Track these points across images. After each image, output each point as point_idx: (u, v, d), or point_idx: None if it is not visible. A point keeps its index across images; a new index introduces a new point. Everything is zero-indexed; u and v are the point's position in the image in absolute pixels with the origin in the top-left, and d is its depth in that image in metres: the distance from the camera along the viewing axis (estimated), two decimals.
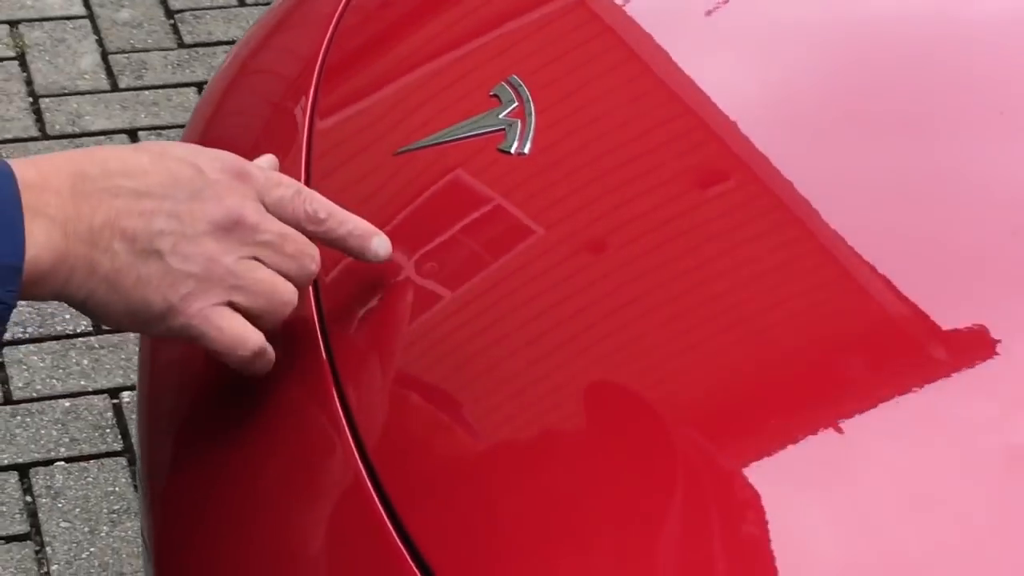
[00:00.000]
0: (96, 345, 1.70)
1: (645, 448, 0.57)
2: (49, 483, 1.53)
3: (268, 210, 0.69)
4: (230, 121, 0.94)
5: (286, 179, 0.71)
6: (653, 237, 0.68)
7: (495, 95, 0.76)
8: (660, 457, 0.57)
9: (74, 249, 0.65)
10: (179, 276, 0.67)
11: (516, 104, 0.75)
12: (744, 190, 0.70)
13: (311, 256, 0.69)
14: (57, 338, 1.71)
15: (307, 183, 0.77)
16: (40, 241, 0.63)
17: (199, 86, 2.10)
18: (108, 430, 1.60)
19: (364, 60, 0.91)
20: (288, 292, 0.69)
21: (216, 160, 0.69)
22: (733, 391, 0.60)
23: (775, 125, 0.73)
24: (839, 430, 0.55)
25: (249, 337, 0.68)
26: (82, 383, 1.65)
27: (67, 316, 1.71)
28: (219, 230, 0.68)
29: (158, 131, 2.03)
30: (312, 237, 0.69)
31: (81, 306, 0.67)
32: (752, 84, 0.76)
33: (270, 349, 0.69)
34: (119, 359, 1.69)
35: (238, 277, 0.68)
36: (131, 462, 1.57)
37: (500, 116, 0.74)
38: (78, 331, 1.71)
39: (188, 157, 0.68)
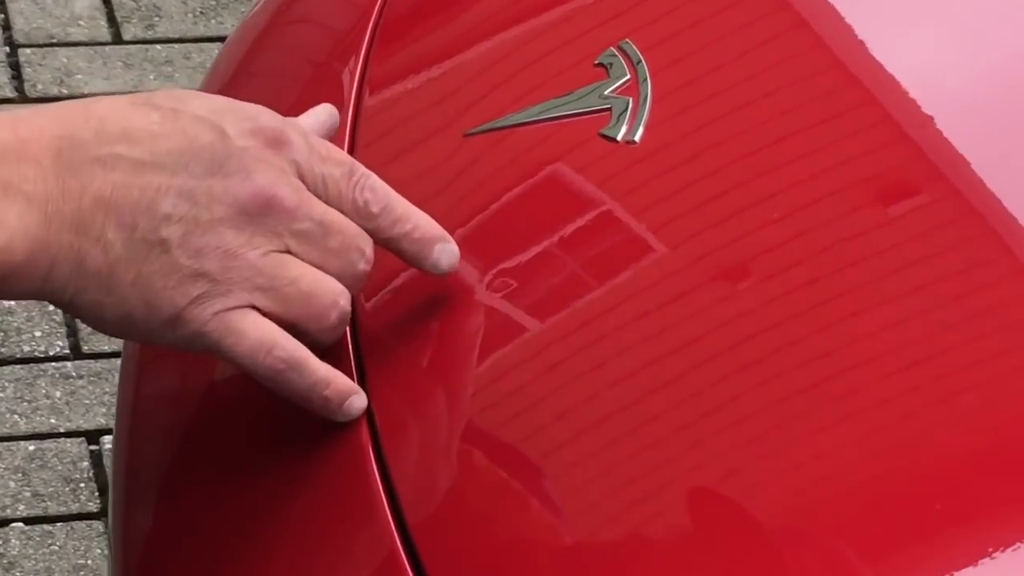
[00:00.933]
0: (73, 373, 1.77)
1: None
2: (2, 550, 1.59)
3: (309, 189, 0.72)
4: (256, 84, 0.99)
5: (336, 152, 0.74)
6: (810, 266, 0.70)
7: (601, 64, 0.80)
8: None
9: (57, 237, 0.68)
10: (189, 275, 0.69)
11: (628, 78, 0.79)
12: (939, 208, 0.72)
13: (361, 252, 0.72)
14: (23, 361, 1.78)
15: None
16: (12, 225, 0.66)
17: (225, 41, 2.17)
18: (82, 484, 1.67)
19: (432, 13, 0.96)
20: (333, 294, 0.71)
21: (247, 120, 0.71)
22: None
23: (977, 122, 0.76)
24: None
25: (277, 340, 0.70)
26: (52, 421, 1.72)
27: (36, 334, 1.79)
28: (244, 215, 0.70)
29: None
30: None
31: (67, 307, 0.71)
32: (949, 64, 0.80)
33: (314, 363, 0.71)
34: (101, 392, 1.75)
35: (265, 276, 0.70)
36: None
37: (606, 92, 0.78)
38: (50, 353, 1.78)
39: (211, 116, 0.71)
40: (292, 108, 0.94)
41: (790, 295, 0.70)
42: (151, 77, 2.12)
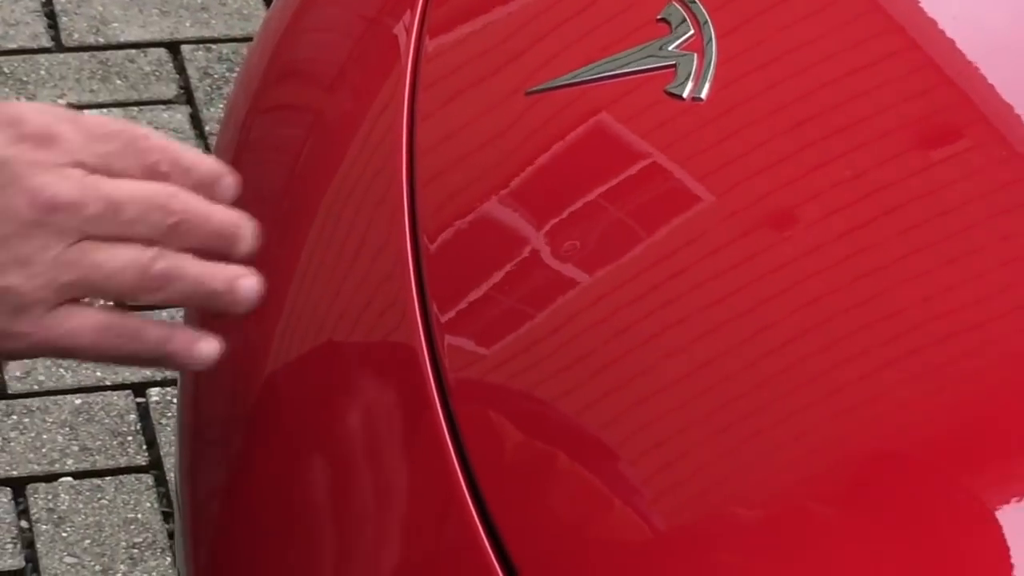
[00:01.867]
0: None
1: None
2: (51, 504, 1.60)
3: (95, 171, 0.71)
4: (309, 40, 1.00)
5: (111, 125, 0.74)
6: (889, 226, 0.71)
7: (663, 19, 0.81)
8: None
9: None
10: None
11: (691, 33, 0.79)
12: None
13: (163, 208, 0.72)
14: None
15: (409, 128, 0.82)
16: None
17: None
18: (130, 437, 1.68)
19: None
20: (141, 261, 0.71)
21: (9, 127, 0.71)
22: None
23: None
24: None
25: (103, 322, 0.71)
26: (98, 374, 1.73)
27: None
28: (29, 224, 0.70)
29: (206, 45, 2.10)
30: None
31: None
32: None
33: (149, 327, 0.73)
34: None
35: (69, 270, 0.71)
36: (159, 481, 1.64)
37: (670, 48, 0.79)
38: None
39: None
40: (346, 65, 0.97)
41: (871, 257, 0.70)
42: (187, 24, 2.12)
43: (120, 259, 0.72)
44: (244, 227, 0.77)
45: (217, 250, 0.75)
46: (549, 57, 0.85)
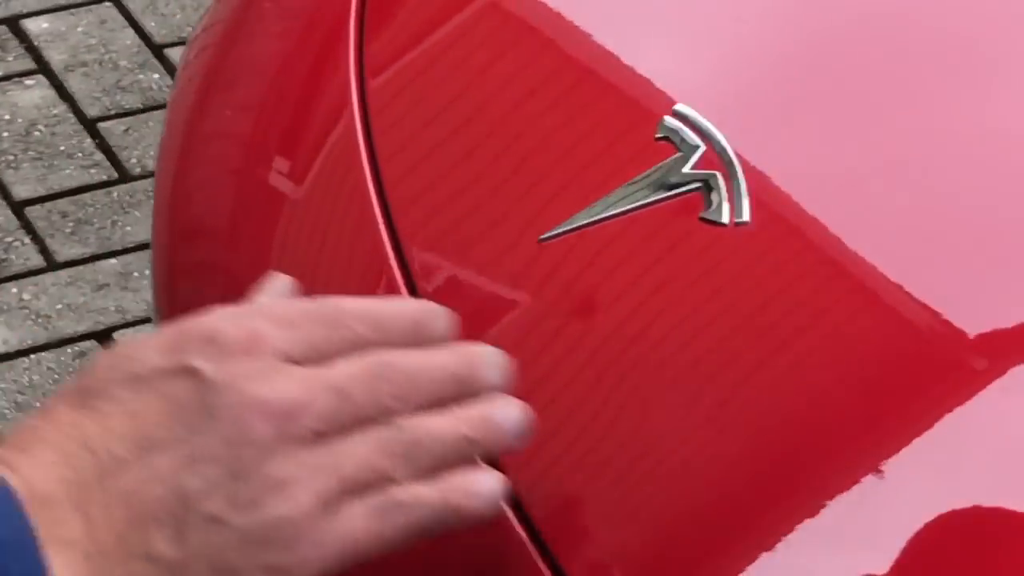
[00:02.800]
0: None
1: None
2: None
3: (302, 361, 0.71)
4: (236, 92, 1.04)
5: (305, 306, 0.74)
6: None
7: (663, 137, 0.77)
8: None
9: (105, 570, 0.67)
10: (261, 531, 0.68)
11: (703, 148, 0.75)
12: None
13: (383, 367, 0.72)
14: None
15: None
16: None
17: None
18: None
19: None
20: (386, 432, 0.71)
21: (210, 344, 0.70)
22: None
23: None
24: None
25: (376, 516, 0.71)
26: None
27: None
28: (271, 443, 0.69)
29: None
30: None
31: None
32: None
33: (418, 505, 0.72)
34: None
35: (325, 474, 0.69)
36: None
37: (684, 170, 0.75)
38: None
39: (172, 360, 0.69)
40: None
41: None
42: None
43: (367, 442, 0.71)
44: (481, 354, 0.74)
45: (458, 392, 0.74)
46: (546, 198, 0.81)
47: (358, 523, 0.70)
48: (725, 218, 0.73)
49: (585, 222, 0.77)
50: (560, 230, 0.78)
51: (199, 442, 0.68)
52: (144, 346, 0.72)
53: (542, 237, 0.79)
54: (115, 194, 2.26)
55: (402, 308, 0.77)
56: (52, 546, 0.65)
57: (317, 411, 0.69)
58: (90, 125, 2.34)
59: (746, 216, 0.72)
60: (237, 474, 0.68)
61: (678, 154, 0.77)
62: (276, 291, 0.80)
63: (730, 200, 0.73)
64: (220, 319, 0.71)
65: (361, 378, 0.71)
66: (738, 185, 0.74)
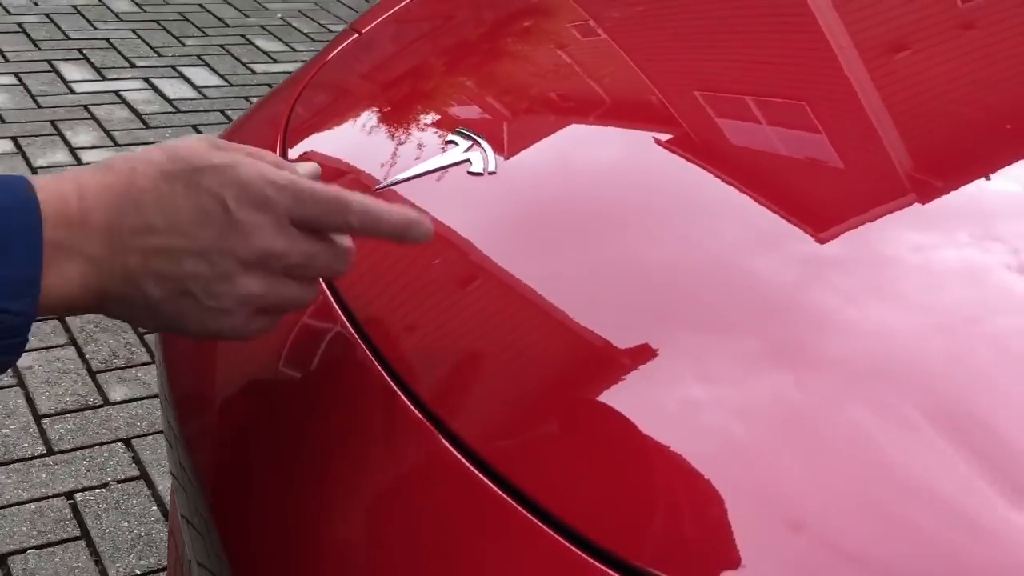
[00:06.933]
0: None
1: None
2: None
3: (296, 224, 0.81)
4: None
5: (314, 195, 0.81)
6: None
7: (451, 140, 1.13)
8: None
9: (109, 286, 0.77)
10: (212, 312, 0.80)
11: (471, 143, 1.11)
12: None
13: (341, 263, 0.85)
14: None
15: None
16: (75, 280, 0.75)
17: None
18: None
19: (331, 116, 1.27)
20: (308, 297, 0.85)
21: (244, 191, 0.78)
22: None
23: None
24: None
25: (265, 328, 0.85)
26: None
27: None
28: (248, 266, 0.79)
29: None
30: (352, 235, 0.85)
31: (120, 319, 0.80)
32: None
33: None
34: None
35: (266, 298, 0.81)
36: None
37: (462, 152, 1.09)
38: None
39: (217, 189, 0.78)
40: None
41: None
42: None
43: (300, 295, 0.85)
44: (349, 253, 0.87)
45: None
46: (388, 162, 1.13)
47: (252, 329, 0.84)
48: (483, 170, 1.06)
49: (412, 175, 1.09)
50: (390, 181, 1.09)
51: (206, 246, 0.78)
52: (213, 167, 0.80)
53: (378, 187, 1.09)
54: None
55: (391, 211, 0.84)
56: (74, 257, 0.75)
57: (290, 262, 0.81)
58: None
59: (493, 169, 1.05)
60: (218, 276, 0.79)
61: (458, 145, 1.10)
62: (307, 171, 0.88)
63: (484, 164, 1.06)
64: (256, 178, 0.79)
65: (327, 261, 0.83)
66: (490, 158, 1.07)
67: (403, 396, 0.84)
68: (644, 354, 0.79)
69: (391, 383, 0.86)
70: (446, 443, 0.79)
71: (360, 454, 0.85)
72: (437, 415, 0.81)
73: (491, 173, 1.07)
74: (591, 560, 0.68)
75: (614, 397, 0.78)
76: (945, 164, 0.93)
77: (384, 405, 0.85)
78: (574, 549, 0.69)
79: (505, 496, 0.73)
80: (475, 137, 1.14)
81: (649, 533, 0.68)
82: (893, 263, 0.81)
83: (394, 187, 1.11)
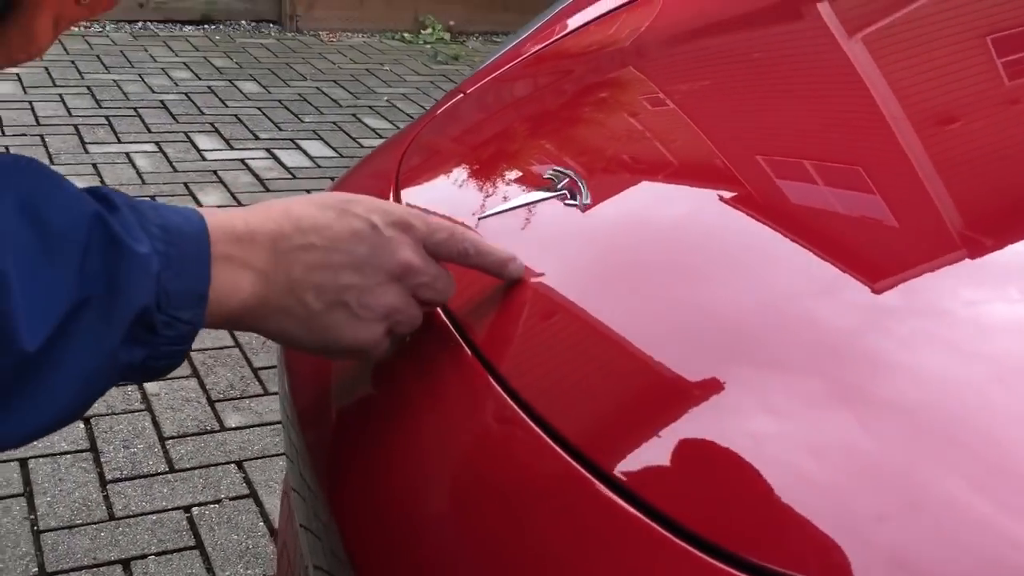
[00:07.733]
0: None
1: None
2: None
3: (428, 251, 0.88)
4: None
5: (440, 225, 0.90)
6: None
7: (549, 177, 1.15)
8: None
9: (272, 297, 0.81)
10: (363, 323, 0.85)
11: (567, 179, 1.12)
12: None
13: (451, 289, 0.92)
14: None
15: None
16: (246, 289, 0.79)
17: None
18: None
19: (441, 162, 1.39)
20: (419, 320, 0.91)
21: (388, 215, 0.85)
22: None
23: None
24: None
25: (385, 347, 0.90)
26: None
27: None
28: (393, 279, 0.85)
29: None
30: (463, 266, 0.92)
31: (272, 337, 0.85)
32: None
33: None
34: None
35: (402, 313, 0.88)
36: None
37: (559, 186, 1.12)
38: None
39: (365, 214, 0.84)
40: None
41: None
42: None
43: (420, 315, 0.90)
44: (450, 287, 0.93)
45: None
46: (494, 194, 1.16)
47: (385, 347, 0.89)
48: (578, 203, 1.06)
49: (513, 206, 1.10)
50: (495, 211, 1.11)
51: (360, 260, 0.83)
52: (359, 199, 0.86)
53: (482, 216, 1.10)
54: None
55: (495, 249, 0.90)
56: (246, 269, 0.78)
57: (421, 280, 0.86)
58: None
59: (589, 202, 1.05)
60: (370, 288, 0.84)
61: (556, 181, 1.12)
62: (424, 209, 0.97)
63: (580, 197, 1.07)
64: (398, 207, 0.85)
65: (446, 284, 0.89)
66: (584, 192, 1.08)
67: (512, 403, 0.85)
68: (714, 385, 0.79)
69: (502, 393, 0.86)
70: (567, 456, 0.78)
71: (469, 457, 0.86)
72: (557, 430, 0.81)
73: (586, 206, 1.09)
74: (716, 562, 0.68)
75: (718, 417, 0.77)
76: (994, 224, 0.90)
77: (498, 416, 0.85)
78: (699, 554, 0.69)
79: (639, 514, 0.73)
80: (571, 175, 1.17)
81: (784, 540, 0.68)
82: (947, 315, 0.79)
83: (500, 215, 1.15)
